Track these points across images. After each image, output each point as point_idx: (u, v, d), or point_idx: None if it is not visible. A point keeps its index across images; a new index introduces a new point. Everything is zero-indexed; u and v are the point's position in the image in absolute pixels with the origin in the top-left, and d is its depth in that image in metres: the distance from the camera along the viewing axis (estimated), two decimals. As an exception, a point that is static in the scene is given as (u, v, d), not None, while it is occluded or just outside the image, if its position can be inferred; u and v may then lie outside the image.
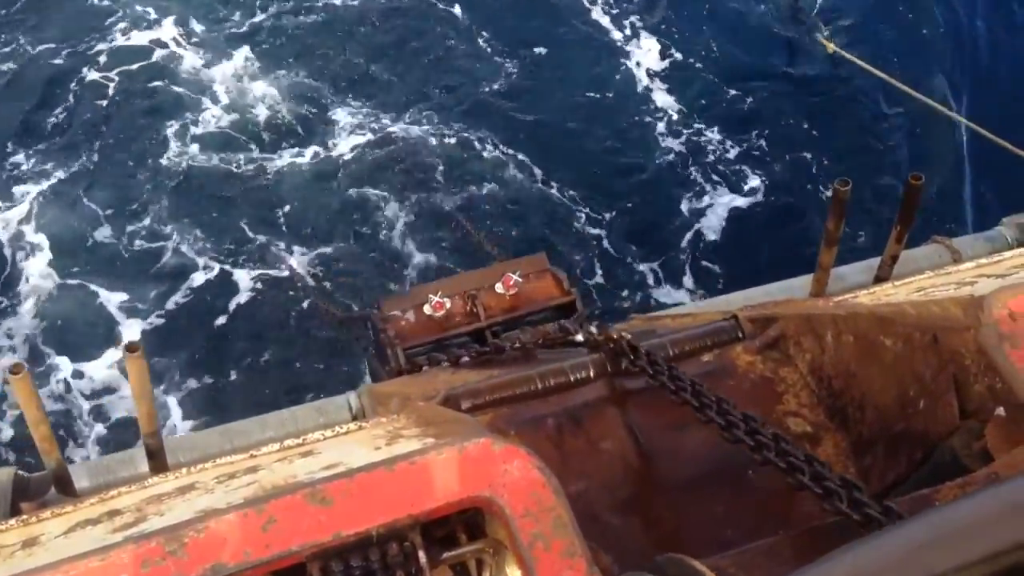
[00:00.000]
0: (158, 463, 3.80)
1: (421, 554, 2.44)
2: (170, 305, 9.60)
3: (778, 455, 3.11)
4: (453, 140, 11.14)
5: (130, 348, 3.40)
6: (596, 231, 10.14)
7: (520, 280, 6.03)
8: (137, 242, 10.12)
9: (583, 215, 10.29)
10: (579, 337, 4.48)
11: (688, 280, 9.60)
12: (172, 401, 8.60)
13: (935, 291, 3.64)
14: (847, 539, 1.74)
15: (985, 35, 11.32)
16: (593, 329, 4.34)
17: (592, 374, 4.14)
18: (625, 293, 9.68)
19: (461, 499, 2.52)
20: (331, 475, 2.51)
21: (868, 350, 3.61)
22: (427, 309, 5.88)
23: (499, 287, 6.02)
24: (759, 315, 4.29)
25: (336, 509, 2.41)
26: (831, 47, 10.80)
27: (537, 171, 10.71)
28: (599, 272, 9.89)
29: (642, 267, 9.82)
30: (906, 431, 3.39)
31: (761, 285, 5.29)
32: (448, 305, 5.89)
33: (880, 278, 4.82)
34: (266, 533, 2.32)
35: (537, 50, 11.78)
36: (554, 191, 10.54)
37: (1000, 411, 3.01)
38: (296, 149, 11.14)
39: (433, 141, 11.11)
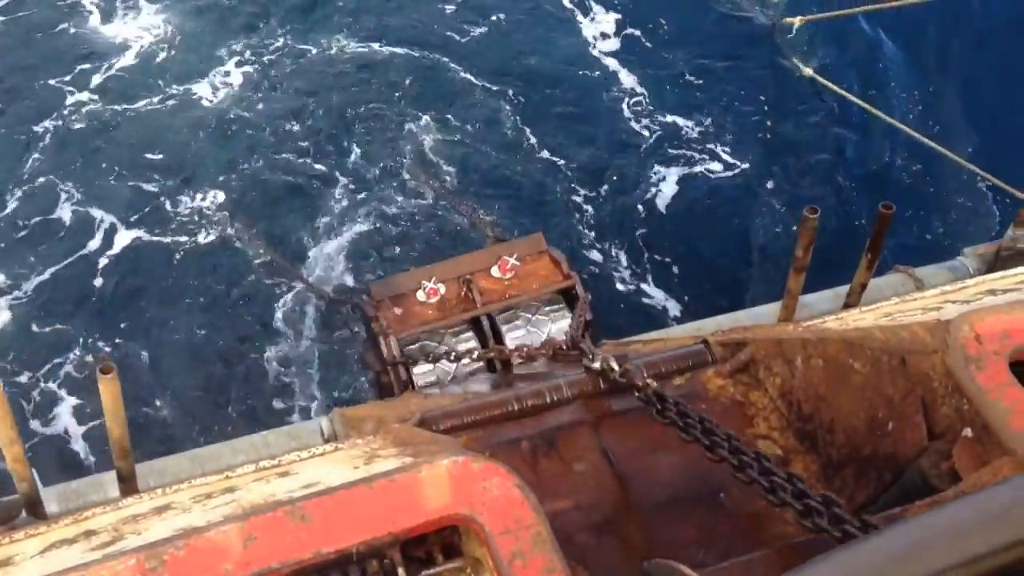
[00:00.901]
0: (129, 487, 3.76)
1: (401, 572, 2.45)
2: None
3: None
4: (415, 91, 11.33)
5: (104, 370, 3.38)
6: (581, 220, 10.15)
7: (517, 263, 5.80)
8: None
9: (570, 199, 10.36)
10: (595, 365, 4.21)
11: (675, 308, 9.59)
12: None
13: (902, 316, 3.72)
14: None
15: (958, 60, 11.60)
16: (614, 364, 4.09)
17: (569, 395, 4.18)
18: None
19: (441, 517, 2.54)
20: (311, 493, 2.51)
21: (837, 374, 3.67)
22: (420, 295, 5.65)
23: (495, 271, 5.80)
24: (730, 340, 4.34)
25: (316, 526, 2.42)
26: (808, 72, 10.99)
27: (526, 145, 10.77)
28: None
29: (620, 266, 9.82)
30: (875, 453, 3.44)
31: (730, 312, 5.36)
32: (442, 291, 5.65)
33: (849, 305, 4.90)
34: (247, 550, 2.32)
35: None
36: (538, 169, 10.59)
37: (967, 432, 3.08)
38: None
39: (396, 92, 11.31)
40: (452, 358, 5.21)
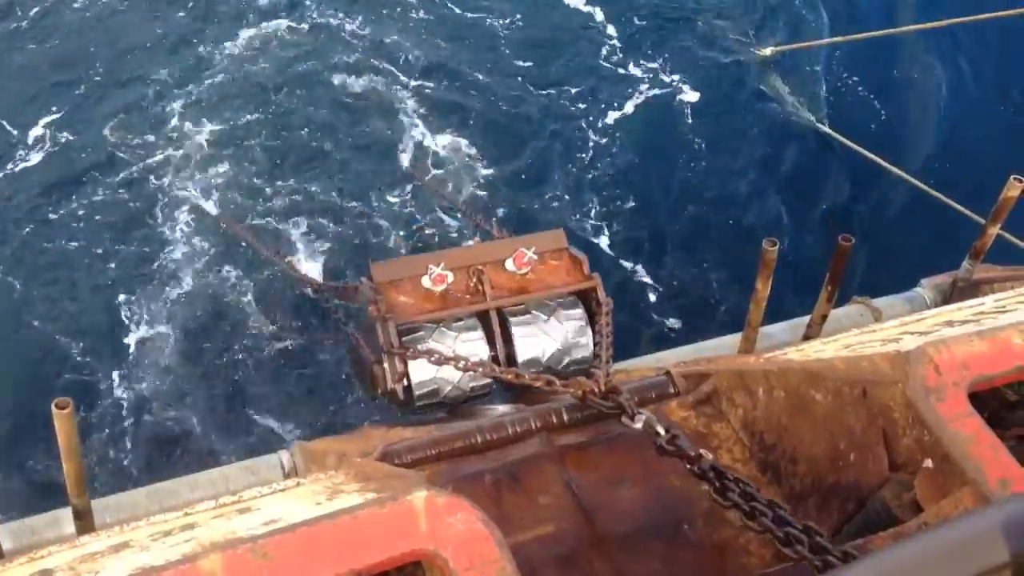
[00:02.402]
0: (86, 524, 3.69)
1: None
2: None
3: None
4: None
5: (59, 405, 3.32)
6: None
7: (535, 258, 5.21)
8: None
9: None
10: (636, 426, 3.79)
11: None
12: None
13: (862, 348, 3.75)
14: None
15: (921, 91, 11.86)
16: (660, 428, 3.63)
17: (532, 427, 4.17)
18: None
19: (404, 552, 2.51)
20: (272, 530, 2.47)
21: (799, 404, 3.70)
22: (426, 281, 5.07)
23: (510, 264, 5.23)
24: (692, 371, 4.36)
25: (278, 564, 2.38)
26: (779, 102, 11.17)
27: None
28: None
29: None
30: (838, 483, 3.46)
31: (692, 344, 5.39)
32: (450, 279, 5.06)
33: (809, 336, 4.94)
34: None
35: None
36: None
37: (928, 463, 3.10)
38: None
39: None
40: (460, 365, 4.74)
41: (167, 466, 7.42)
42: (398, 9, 12.50)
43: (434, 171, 10.76)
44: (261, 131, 11.06)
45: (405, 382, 4.84)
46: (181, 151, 10.72)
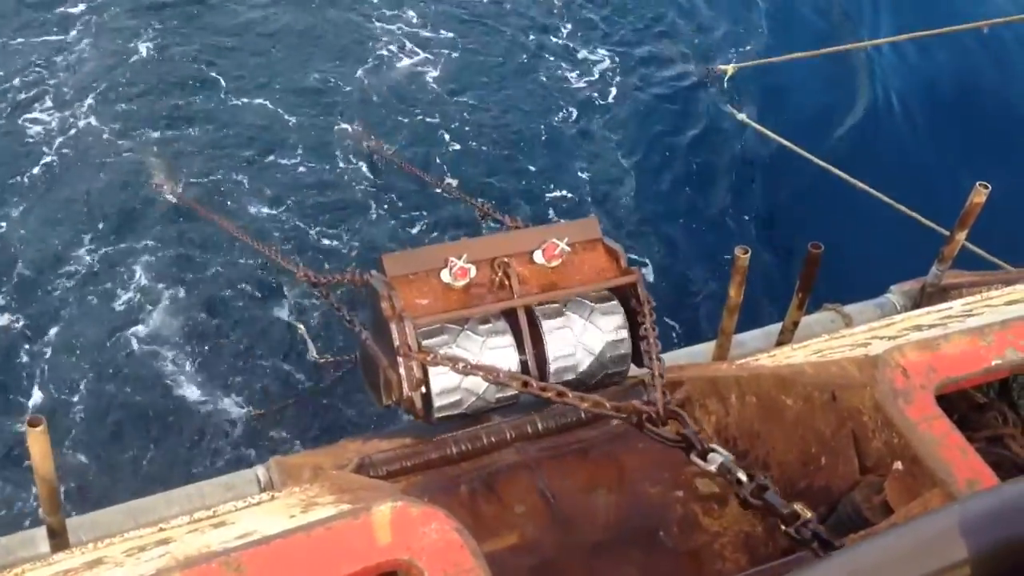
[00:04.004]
0: (60, 542, 3.68)
1: None
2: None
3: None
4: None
5: (32, 423, 3.32)
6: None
7: (567, 249, 4.68)
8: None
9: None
10: (710, 467, 3.37)
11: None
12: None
13: (832, 353, 3.80)
14: None
15: (882, 105, 12.01)
16: (741, 475, 3.22)
17: (507, 437, 4.18)
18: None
19: (379, 563, 2.52)
20: (246, 543, 2.48)
21: (771, 410, 3.73)
22: (445, 276, 4.53)
23: (539, 256, 4.69)
24: (665, 379, 4.39)
25: None
26: (741, 118, 11.27)
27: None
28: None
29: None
30: (810, 487, 3.49)
31: (665, 352, 5.42)
32: (473, 273, 4.54)
33: (781, 343, 4.99)
34: None
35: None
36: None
37: (898, 465, 3.14)
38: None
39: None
40: (492, 377, 4.19)
41: (143, 483, 7.36)
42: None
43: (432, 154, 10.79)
44: (239, 109, 11.17)
45: (423, 389, 4.34)
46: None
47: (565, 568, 3.67)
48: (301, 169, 10.69)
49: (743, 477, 3.18)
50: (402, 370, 4.24)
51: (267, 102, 11.39)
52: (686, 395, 4.26)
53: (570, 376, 4.45)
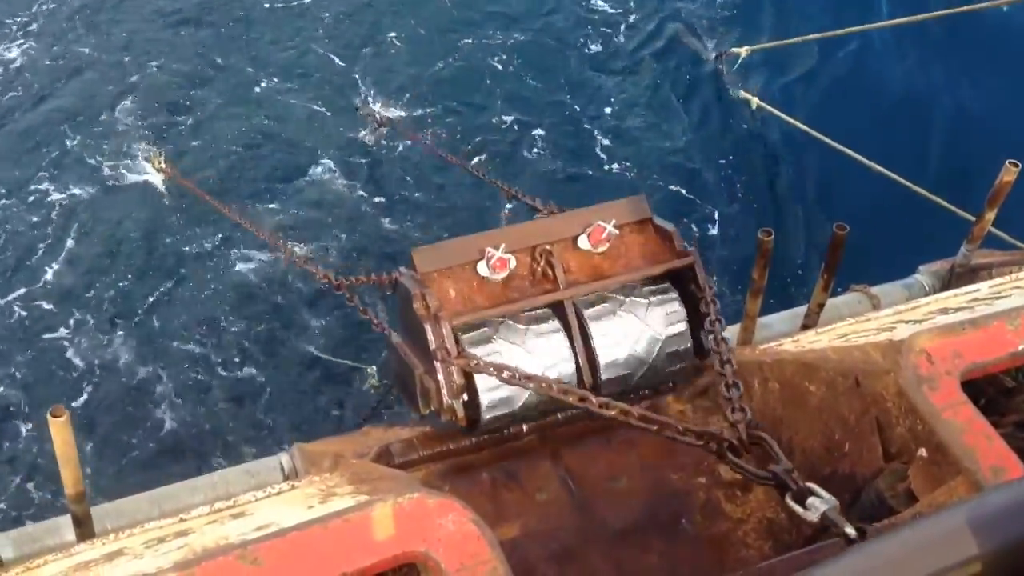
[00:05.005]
0: (85, 531, 3.70)
1: None
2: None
3: None
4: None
5: (55, 413, 3.33)
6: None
7: (615, 232, 4.21)
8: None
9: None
10: (808, 515, 2.96)
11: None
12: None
13: (856, 337, 3.75)
14: None
15: (900, 87, 11.80)
16: (849, 530, 2.77)
17: (525, 427, 4.15)
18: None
19: (396, 555, 2.52)
20: (263, 535, 2.48)
21: (794, 396, 3.69)
22: (482, 268, 4.09)
23: (583, 241, 4.24)
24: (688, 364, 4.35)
25: (268, 570, 2.39)
26: (755, 101, 11.14)
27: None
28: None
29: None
30: (833, 474, 3.46)
31: None
32: (512, 265, 4.09)
33: (807, 326, 4.93)
34: None
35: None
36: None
37: (922, 452, 3.10)
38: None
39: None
40: (543, 388, 3.76)
41: (168, 470, 7.43)
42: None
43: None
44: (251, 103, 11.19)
45: (465, 396, 3.95)
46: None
47: (587, 555, 3.66)
48: (315, 161, 10.69)
49: (851, 532, 2.76)
50: (441, 376, 3.88)
51: (272, 90, 11.41)
52: (709, 380, 4.23)
53: (624, 373, 4.13)
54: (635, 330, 4.11)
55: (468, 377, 3.89)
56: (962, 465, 2.93)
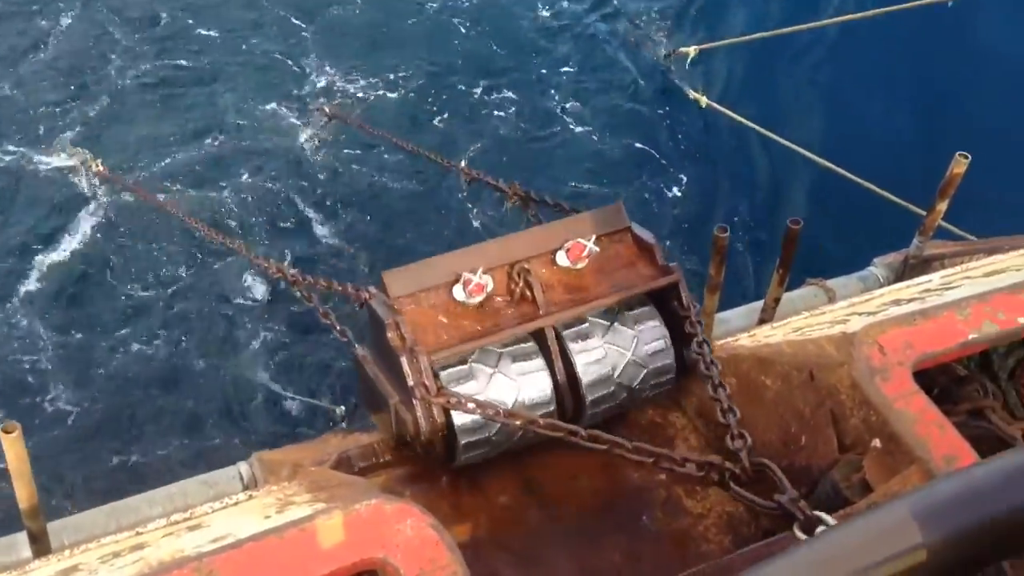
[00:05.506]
0: (41, 547, 3.66)
1: None
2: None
3: None
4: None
5: (6, 429, 3.29)
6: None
7: (596, 249, 4.02)
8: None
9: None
10: None
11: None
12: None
13: (810, 331, 3.78)
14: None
15: (848, 84, 11.92)
16: None
17: None
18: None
19: (355, 562, 2.51)
20: (219, 547, 2.47)
21: (750, 390, 3.72)
22: (458, 293, 3.88)
23: (562, 257, 4.05)
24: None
25: None
26: (704, 101, 11.20)
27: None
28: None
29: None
30: (791, 467, 3.48)
31: None
32: (490, 287, 3.88)
33: (763, 320, 4.97)
34: None
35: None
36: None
37: (876, 443, 3.14)
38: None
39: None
40: (528, 424, 3.62)
41: (125, 483, 7.34)
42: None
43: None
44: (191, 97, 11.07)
45: (445, 438, 3.79)
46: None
47: (549, 556, 3.66)
48: (263, 152, 10.61)
49: None
50: (419, 412, 3.71)
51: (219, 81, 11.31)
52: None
53: (608, 399, 3.99)
54: (617, 351, 3.99)
55: (447, 413, 3.73)
56: (915, 455, 2.97)
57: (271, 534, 2.49)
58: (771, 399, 3.63)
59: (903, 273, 5.53)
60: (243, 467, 4.30)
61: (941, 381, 3.60)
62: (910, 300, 3.84)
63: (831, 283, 5.54)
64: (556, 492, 3.87)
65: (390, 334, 3.71)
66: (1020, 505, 1.73)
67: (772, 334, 3.98)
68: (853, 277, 5.65)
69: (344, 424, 7.85)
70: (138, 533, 3.05)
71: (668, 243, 9.87)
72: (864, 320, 3.49)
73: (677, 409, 4.18)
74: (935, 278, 4.30)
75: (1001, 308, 3.36)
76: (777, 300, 4.93)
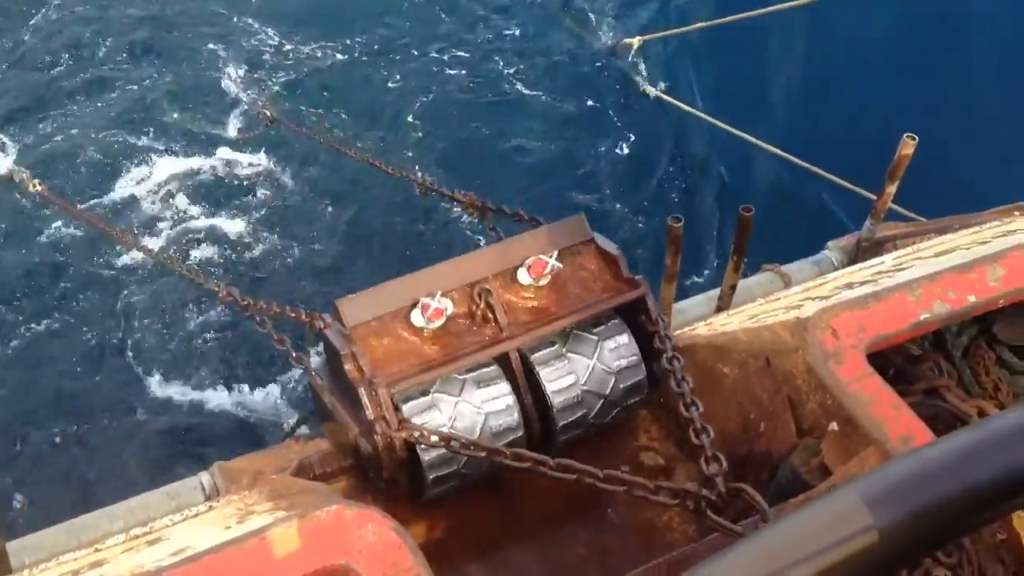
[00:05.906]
0: (2, 566, 3.60)
1: None
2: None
3: None
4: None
5: None
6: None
7: (558, 265, 3.85)
8: None
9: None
10: None
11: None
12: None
13: (766, 317, 3.81)
14: None
15: (795, 70, 12.01)
16: None
17: None
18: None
19: (316, 569, 2.49)
20: (178, 560, 2.44)
21: (708, 379, 3.74)
22: (417, 319, 3.70)
23: (524, 275, 3.87)
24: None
25: None
26: (652, 91, 11.23)
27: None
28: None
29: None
30: (751, 454, 3.51)
31: None
32: (449, 311, 3.71)
33: (720, 308, 5.00)
34: None
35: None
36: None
37: (833, 426, 3.16)
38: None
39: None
40: (495, 456, 3.40)
41: (83, 499, 7.24)
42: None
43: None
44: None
45: (412, 470, 3.65)
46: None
47: (514, 552, 3.66)
48: (191, 157, 10.49)
49: None
50: (380, 446, 3.52)
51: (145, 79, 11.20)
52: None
53: (579, 422, 3.87)
54: (585, 368, 3.85)
55: (410, 446, 3.55)
56: (871, 436, 2.99)
57: (231, 545, 2.46)
58: (729, 387, 3.66)
59: (856, 256, 5.58)
60: (204, 477, 4.26)
61: (896, 361, 3.64)
62: (863, 283, 3.87)
63: (786, 268, 5.59)
64: (520, 489, 3.87)
65: (347, 366, 3.55)
66: (973, 483, 1.75)
67: (728, 322, 4.01)
68: (808, 261, 5.71)
69: (305, 430, 7.79)
70: (97, 550, 3.01)
71: (619, 235, 9.90)
72: (817, 305, 3.52)
73: None
74: (887, 260, 4.34)
75: (951, 287, 3.39)
76: (733, 287, 4.96)
